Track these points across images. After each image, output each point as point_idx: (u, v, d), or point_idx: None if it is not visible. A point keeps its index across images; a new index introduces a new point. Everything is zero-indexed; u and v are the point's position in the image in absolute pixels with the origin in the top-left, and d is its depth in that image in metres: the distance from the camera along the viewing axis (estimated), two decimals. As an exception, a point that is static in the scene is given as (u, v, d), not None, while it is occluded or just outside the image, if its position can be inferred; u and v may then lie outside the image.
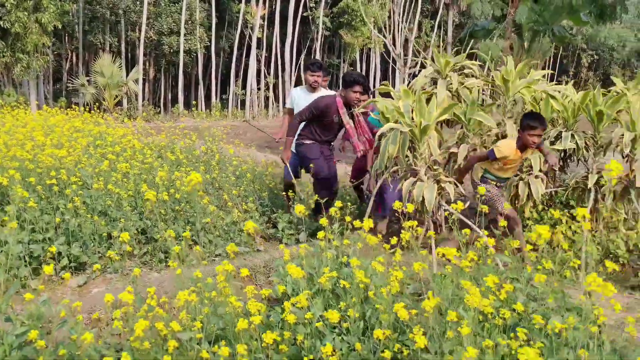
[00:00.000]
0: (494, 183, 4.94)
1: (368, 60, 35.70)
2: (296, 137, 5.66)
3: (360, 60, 35.31)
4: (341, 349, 2.19)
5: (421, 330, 1.89)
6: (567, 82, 7.12)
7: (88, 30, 26.17)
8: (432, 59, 6.01)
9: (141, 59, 25.14)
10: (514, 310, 2.43)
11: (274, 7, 29.14)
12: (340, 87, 5.66)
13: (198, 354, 2.05)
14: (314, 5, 31.59)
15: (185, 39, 26.73)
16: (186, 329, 2.15)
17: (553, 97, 5.64)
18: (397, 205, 3.14)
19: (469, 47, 9.46)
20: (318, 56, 32.33)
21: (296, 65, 30.80)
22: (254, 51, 28.12)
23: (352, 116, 5.51)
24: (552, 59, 47.59)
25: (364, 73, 32.80)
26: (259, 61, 30.20)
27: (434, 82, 5.88)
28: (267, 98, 30.65)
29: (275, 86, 30.39)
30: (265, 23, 29.91)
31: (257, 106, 29.50)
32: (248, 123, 6.05)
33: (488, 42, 8.31)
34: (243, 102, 29.64)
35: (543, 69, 44.15)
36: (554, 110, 5.76)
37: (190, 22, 27.46)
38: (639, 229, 5.48)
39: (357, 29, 30.78)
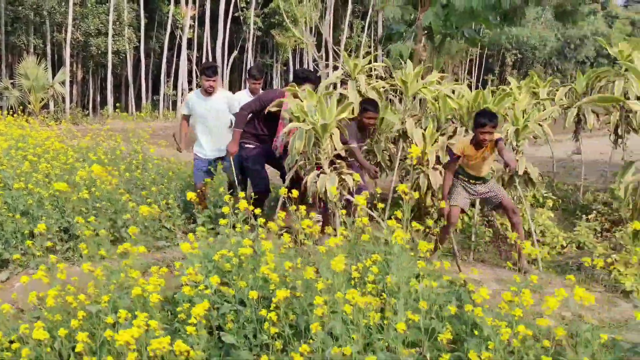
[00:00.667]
0: (466, 180, 5.06)
1: (301, 60, 36.15)
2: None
3: (293, 60, 35.68)
4: (230, 312, 2.58)
5: (287, 290, 2.30)
6: (492, 81, 7.77)
7: (11, 32, 25.38)
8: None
9: (68, 60, 24.64)
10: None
11: (204, 7, 29.13)
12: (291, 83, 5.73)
13: (103, 321, 2.38)
14: (245, 5, 31.79)
15: (113, 40, 26.39)
16: (93, 303, 2.48)
17: (450, 97, 6.21)
18: (282, 191, 3.56)
19: (398, 49, 10.02)
20: (250, 56, 32.53)
21: (229, 65, 30.90)
22: (184, 51, 28.08)
23: None
24: (478, 58, 49.71)
25: (296, 73, 33.33)
26: (190, 61, 30.15)
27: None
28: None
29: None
30: (196, 23, 29.87)
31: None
32: (174, 138, 6.21)
33: (399, 44, 8.92)
34: (175, 103, 29.51)
35: (470, 68, 45.37)
36: (452, 109, 6.33)
37: (118, 22, 27.12)
38: (524, 212, 6.13)
39: (288, 30, 31.13)
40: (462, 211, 5.11)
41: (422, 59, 8.51)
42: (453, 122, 6.51)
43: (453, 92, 6.37)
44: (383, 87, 6.30)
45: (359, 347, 2.18)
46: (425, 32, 9.17)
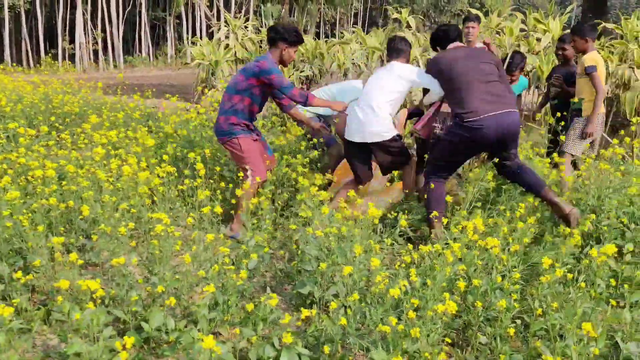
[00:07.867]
0: None
1: (194, 15, 37.66)
2: None
3: (185, 15, 37.14)
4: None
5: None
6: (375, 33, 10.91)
7: None
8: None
9: (-38, 15, 25.29)
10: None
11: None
12: None
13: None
14: (137, -41, 32.97)
15: (8, -5, 27.15)
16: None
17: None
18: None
19: (270, 10, 12.95)
20: (144, 10, 33.92)
21: (123, 18, 32.31)
22: (80, 6, 29.24)
23: None
24: (363, 11, 53.72)
25: (189, 27, 35.25)
26: (85, 15, 31.24)
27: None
28: (96, 52, 31.83)
29: (105, 40, 31.70)
30: (90, -23, 30.84)
31: (88, 60, 30.66)
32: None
33: (270, 6, 11.89)
34: (73, 57, 30.61)
35: (355, 22, 48.75)
36: (301, 53, 9.55)
37: (11, -23, 27.76)
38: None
39: (182, -16, 32.72)
40: None
41: (285, 18, 11.69)
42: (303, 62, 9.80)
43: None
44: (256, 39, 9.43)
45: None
46: (292, -4, 12.35)
